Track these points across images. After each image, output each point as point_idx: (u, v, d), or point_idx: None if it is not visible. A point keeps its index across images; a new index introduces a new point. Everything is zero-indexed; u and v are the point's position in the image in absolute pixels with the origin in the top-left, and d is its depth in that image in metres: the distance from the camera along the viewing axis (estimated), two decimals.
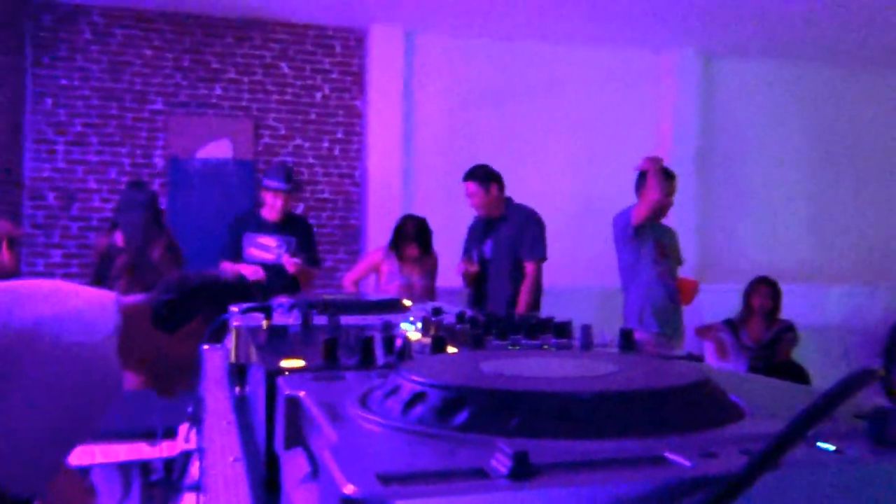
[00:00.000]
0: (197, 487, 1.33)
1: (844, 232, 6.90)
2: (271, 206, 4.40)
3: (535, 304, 4.32)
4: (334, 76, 5.97)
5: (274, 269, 4.28)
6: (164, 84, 5.68)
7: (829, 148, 6.88)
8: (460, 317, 0.95)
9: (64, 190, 5.52)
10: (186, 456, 1.99)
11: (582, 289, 5.85)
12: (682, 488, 0.33)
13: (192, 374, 1.50)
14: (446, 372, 0.48)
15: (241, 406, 0.96)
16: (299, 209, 5.84)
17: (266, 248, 4.41)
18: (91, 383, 1.30)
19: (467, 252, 4.59)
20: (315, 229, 5.91)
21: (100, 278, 4.27)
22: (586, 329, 0.81)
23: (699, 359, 0.71)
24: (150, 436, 2.61)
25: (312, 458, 0.47)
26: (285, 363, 0.64)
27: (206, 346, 1.46)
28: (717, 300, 5.78)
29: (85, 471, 3.04)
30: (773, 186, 6.74)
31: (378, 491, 0.31)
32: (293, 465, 0.49)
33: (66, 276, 5.37)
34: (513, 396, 0.40)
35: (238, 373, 0.99)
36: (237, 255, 4.37)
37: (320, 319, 0.98)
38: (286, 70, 5.88)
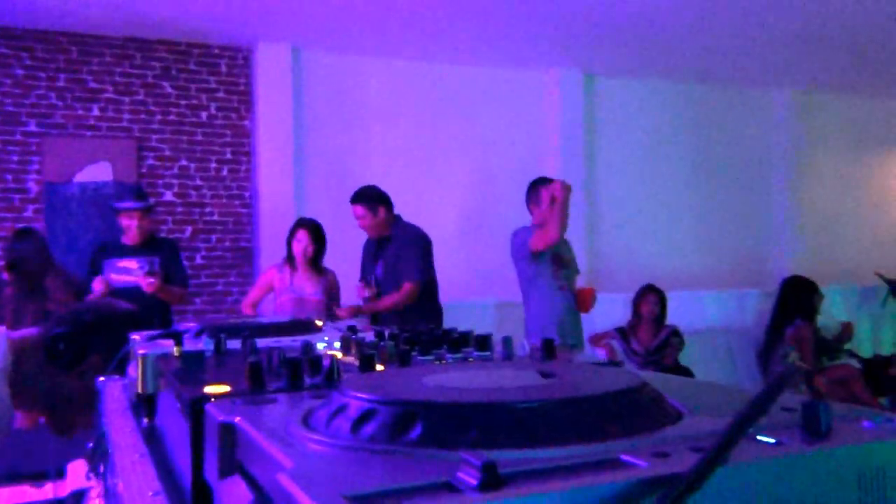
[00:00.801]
0: None
1: (721, 241, 7.29)
2: (127, 229, 4.26)
3: (435, 320, 4.32)
4: (220, 95, 5.84)
5: (139, 294, 4.10)
6: (38, 104, 5.40)
7: (705, 162, 7.26)
8: (380, 334, 0.95)
9: None
10: (79, 496, 1.88)
11: (479, 303, 5.92)
12: (642, 488, 0.34)
13: (90, 409, 1.42)
14: (391, 388, 0.48)
15: (151, 438, 0.91)
16: (187, 232, 5.67)
17: (128, 272, 4.24)
18: None
19: (363, 273, 4.59)
20: (204, 252, 5.77)
21: None
22: (507, 341, 0.83)
23: (619, 364, 0.73)
24: (35, 477, 2.45)
25: (255, 486, 0.45)
26: (209, 389, 0.62)
27: (101, 378, 1.38)
28: (607, 309, 5.98)
29: None
30: (657, 199, 7.06)
31: None
32: (231, 495, 0.47)
33: None
34: (467, 409, 0.40)
35: (146, 403, 0.95)
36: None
37: (233, 343, 0.95)
38: (169, 89, 5.70)
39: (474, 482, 0.32)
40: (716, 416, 0.46)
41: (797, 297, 6.15)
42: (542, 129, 6.65)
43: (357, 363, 0.73)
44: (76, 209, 5.46)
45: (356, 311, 4.37)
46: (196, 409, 0.59)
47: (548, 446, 0.39)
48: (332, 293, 4.54)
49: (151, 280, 4.10)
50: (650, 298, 5.80)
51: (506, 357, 0.80)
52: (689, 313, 6.43)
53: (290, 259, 4.46)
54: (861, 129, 7.95)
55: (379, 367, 0.70)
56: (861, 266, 7.58)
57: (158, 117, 5.68)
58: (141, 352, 0.94)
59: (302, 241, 4.40)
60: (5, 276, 4.19)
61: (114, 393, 1.30)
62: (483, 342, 0.84)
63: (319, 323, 1.25)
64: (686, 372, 5.68)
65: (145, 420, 0.97)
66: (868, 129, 7.99)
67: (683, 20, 5.52)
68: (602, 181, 6.84)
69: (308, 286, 4.43)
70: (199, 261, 5.74)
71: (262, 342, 0.94)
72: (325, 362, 0.68)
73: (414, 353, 0.79)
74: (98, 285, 4.05)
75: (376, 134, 6.12)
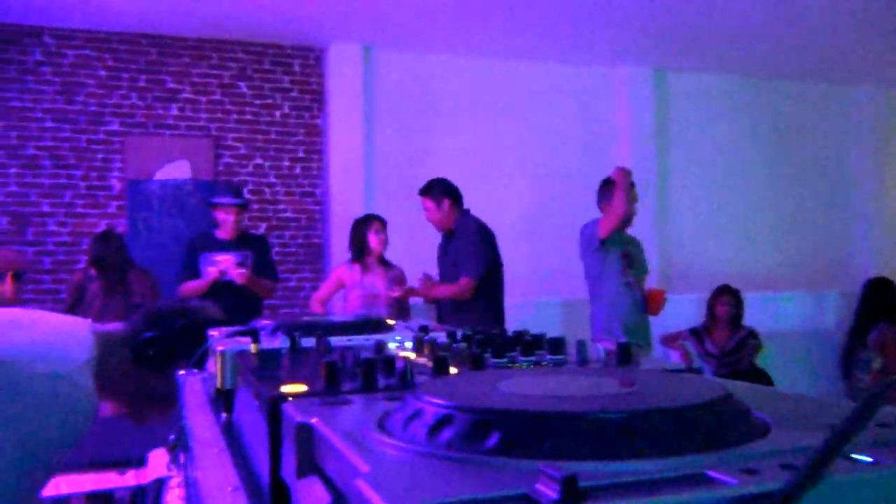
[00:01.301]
0: None
1: (799, 240, 7.06)
2: (223, 223, 4.39)
3: (496, 319, 4.27)
4: (294, 94, 5.94)
5: (233, 288, 4.23)
6: (120, 104, 5.60)
7: (782, 160, 7.04)
8: (452, 335, 0.94)
9: (17, 214, 5.39)
10: (159, 484, 1.94)
11: (544, 302, 5.88)
12: None
13: (172, 405, 1.46)
14: (467, 394, 0.47)
15: (229, 432, 0.93)
16: (261, 229, 5.79)
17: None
18: (66, 413, 1.27)
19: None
20: (277, 248, 5.88)
21: (72, 309, 4.27)
22: (581, 345, 0.81)
23: (699, 371, 0.71)
24: (118, 465, 2.55)
25: (333, 487, 0.45)
26: (287, 389, 0.63)
27: (182, 372, 1.42)
28: (680, 309, 5.86)
29: (54, 502, 2.95)
30: (731, 197, 6.88)
31: None
32: (308, 495, 0.48)
33: (21, 303, 5.23)
34: (545, 418, 0.40)
35: (224, 398, 0.97)
36: (195, 275, 4.33)
37: (307, 341, 0.96)
38: (244, 89, 5.84)
39: (554, 496, 0.32)
40: (804, 430, 0.44)
41: (881, 298, 5.91)
42: (612, 127, 6.56)
43: (430, 364, 0.73)
44: (156, 206, 5.64)
45: (409, 293, 4.37)
46: (274, 408, 0.59)
47: (628, 459, 0.38)
48: (398, 285, 4.58)
49: (242, 271, 4.22)
50: (726, 299, 5.66)
51: (580, 361, 0.79)
52: (766, 315, 6.25)
53: (359, 256, 4.50)
54: None
55: (452, 370, 0.70)
56: None
57: (234, 116, 5.82)
58: (220, 348, 0.96)
59: (380, 234, 4.45)
60: (92, 272, 4.39)
61: (193, 387, 1.34)
62: (557, 346, 0.83)
63: (391, 322, 1.26)
64: (763, 375, 5.52)
65: (224, 415, 0.99)
66: None
67: (759, 12, 5.35)
68: (674, 180, 6.70)
69: (379, 282, 4.47)
70: (272, 257, 5.86)
71: (335, 341, 0.95)
72: (399, 364, 0.68)
73: (486, 356, 0.78)
74: (213, 271, 4.19)
75: (445, 132, 6.13)
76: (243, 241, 4.47)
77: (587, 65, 6.45)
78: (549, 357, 0.81)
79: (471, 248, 4.21)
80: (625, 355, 0.74)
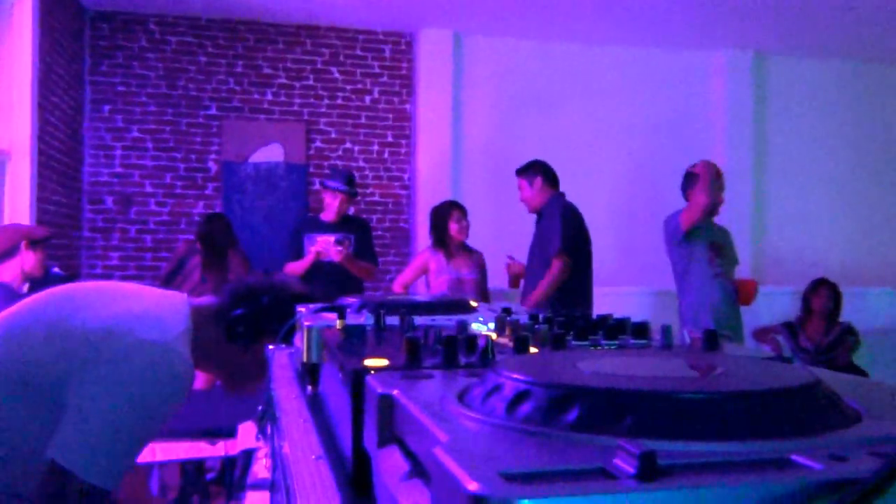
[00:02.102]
0: (270, 485, 1.35)
1: None
2: (329, 206, 4.52)
3: (584, 304, 4.20)
4: (384, 80, 6.01)
5: (335, 269, 4.35)
6: (218, 89, 5.78)
7: (886, 149, 6.69)
8: (534, 317, 0.94)
9: (121, 194, 5.66)
10: (248, 455, 2.02)
11: (633, 291, 5.78)
12: (815, 491, 0.32)
13: (262, 378, 1.52)
14: (547, 371, 0.47)
15: (315, 405, 0.96)
16: (349, 212, 5.89)
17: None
18: (165, 380, 1.34)
19: None
20: None
21: (172, 275, 4.51)
22: (666, 330, 0.80)
23: (789, 360, 0.69)
24: (209, 434, 2.66)
25: (412, 456, 0.46)
26: (369, 362, 0.64)
27: (271, 347, 1.47)
28: (773, 302, 5.67)
29: (146, 468, 3.11)
30: (831, 187, 6.59)
31: (505, 489, 0.30)
32: (388, 463, 0.49)
33: (124, 279, 5.49)
34: (625, 396, 0.39)
35: (310, 372, 1.00)
36: (299, 256, 4.48)
37: (391, 319, 0.98)
38: (336, 74, 5.94)
39: (631, 470, 0.32)
40: None
41: None
42: (708, 114, 6.37)
43: (511, 345, 0.73)
44: (251, 188, 5.81)
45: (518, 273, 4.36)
46: (357, 380, 0.61)
47: (710, 441, 0.37)
48: (481, 272, 4.59)
49: (340, 248, 4.33)
50: (823, 292, 5.43)
51: (664, 346, 0.78)
52: (862, 311, 5.97)
53: (441, 242, 4.52)
54: None
55: (533, 350, 0.70)
56: None
57: (326, 101, 5.93)
58: (307, 324, 0.99)
59: (461, 221, 4.48)
60: (197, 246, 4.60)
61: (281, 361, 1.38)
62: (640, 330, 0.82)
63: (474, 303, 1.27)
64: (861, 373, 5.28)
65: (309, 388, 1.02)
66: None
67: None
68: (771, 168, 6.46)
69: (464, 267, 4.50)
70: (373, 241, 5.96)
71: (419, 319, 0.96)
72: (481, 342, 0.68)
73: (568, 338, 0.78)
74: (312, 251, 4.34)
75: (534, 118, 6.08)
76: (346, 224, 4.59)
77: (684, 49, 6.28)
78: (632, 341, 0.80)
79: (556, 225, 4.13)
80: (711, 341, 0.73)
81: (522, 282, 4.47)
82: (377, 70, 6.00)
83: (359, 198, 5.99)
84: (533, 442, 0.38)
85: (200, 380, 3.56)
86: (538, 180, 4.31)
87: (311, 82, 5.90)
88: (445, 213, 4.56)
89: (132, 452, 1.34)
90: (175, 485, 3.32)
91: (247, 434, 2.06)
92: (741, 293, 4.22)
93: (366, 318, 1.01)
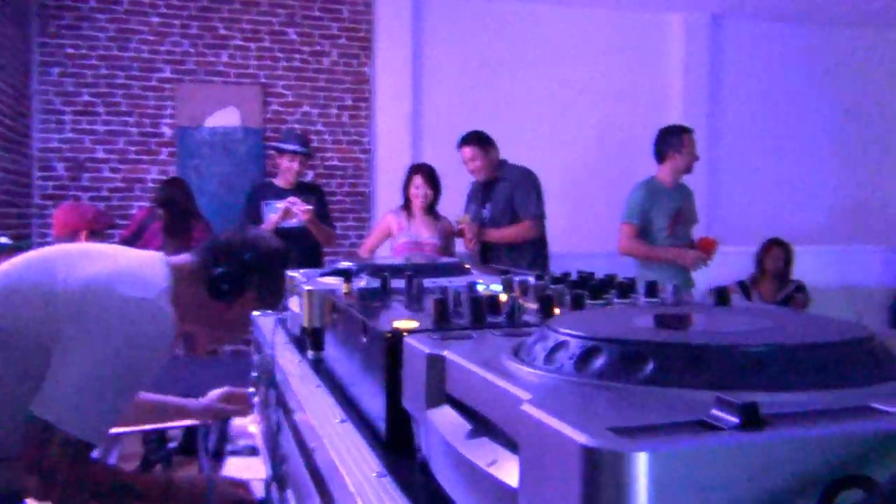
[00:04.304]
0: (252, 451, 1.34)
1: (853, 193, 6.89)
2: (286, 170, 4.44)
3: (543, 265, 4.31)
4: (342, 41, 5.91)
5: (294, 235, 4.27)
6: (172, 51, 5.63)
7: (837, 110, 6.84)
8: (540, 278, 0.95)
9: (73, 160, 5.50)
10: (225, 422, 2.00)
11: (587, 254, 5.83)
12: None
13: (243, 332, 1.52)
14: (608, 327, 0.48)
15: (319, 369, 0.96)
16: (308, 177, 5.82)
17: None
18: (149, 337, 1.33)
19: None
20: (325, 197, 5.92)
21: (128, 242, 4.37)
22: (677, 289, 0.81)
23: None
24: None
25: (472, 414, 0.47)
26: (400, 324, 0.64)
27: (257, 313, 1.46)
28: (728, 261, 5.79)
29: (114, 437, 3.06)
30: (785, 149, 6.72)
31: (618, 443, 0.30)
32: (442, 423, 0.49)
33: None
34: (703, 350, 0.40)
35: (313, 336, 0.99)
36: (257, 223, 4.38)
37: (396, 283, 0.97)
38: (294, 36, 5.82)
39: (736, 420, 0.32)
40: None
41: None
42: (665, 77, 6.41)
43: (531, 305, 0.73)
44: (207, 152, 5.70)
45: (478, 233, 4.35)
46: (393, 342, 0.61)
47: (787, 391, 0.38)
48: (447, 238, 4.58)
49: (309, 207, 4.26)
50: (775, 252, 5.57)
51: (675, 303, 0.79)
52: (815, 269, 6.14)
53: (406, 205, 4.52)
54: None
55: (556, 311, 0.70)
56: None
57: (283, 63, 5.81)
58: (308, 288, 0.98)
59: (420, 188, 4.46)
60: (158, 211, 4.49)
61: (268, 326, 1.37)
62: (652, 288, 0.83)
63: (467, 266, 1.27)
64: None
65: (310, 352, 1.01)
66: None
67: None
68: (726, 130, 6.55)
69: (425, 231, 4.49)
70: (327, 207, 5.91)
71: (426, 282, 0.96)
72: (508, 302, 0.69)
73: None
74: (274, 217, 4.25)
75: (495, 79, 6.06)
76: (302, 190, 4.51)
77: (642, 11, 6.30)
78: (644, 300, 0.82)
79: (529, 191, 4.30)
80: (722, 297, 0.74)
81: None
82: (335, 31, 5.90)
83: (318, 162, 5.92)
84: (611, 397, 0.39)
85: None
86: (493, 151, 4.37)
87: (267, 44, 5.78)
88: (408, 178, 4.54)
89: (116, 408, 1.33)
90: (136, 454, 3.29)
91: (215, 399, 2.04)
92: (702, 250, 4.30)
93: (366, 282, 1.00)
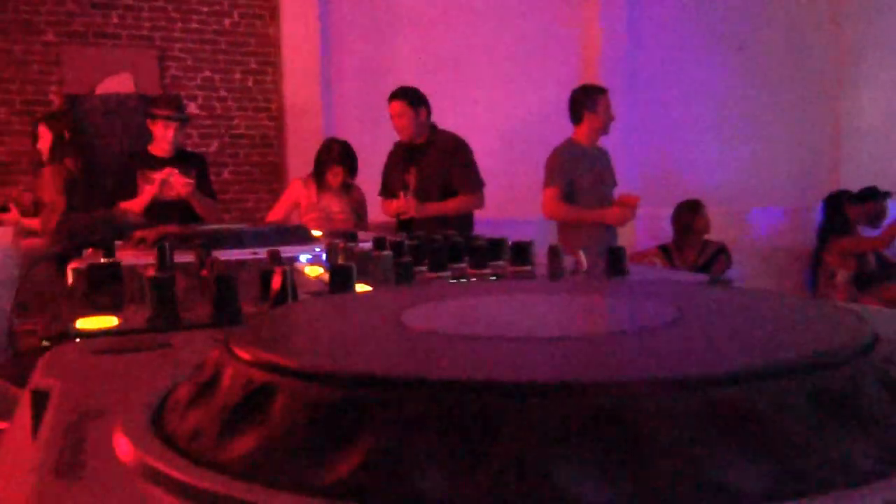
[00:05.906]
0: None
1: (775, 152, 6.88)
2: (161, 138, 4.03)
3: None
4: (244, 1, 5.52)
5: (172, 207, 3.92)
6: (55, 12, 5.15)
7: (761, 67, 6.78)
8: (379, 242, 0.70)
9: None
10: None
11: (509, 220, 5.65)
12: None
13: None
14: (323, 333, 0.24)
15: None
16: (212, 146, 5.46)
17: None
18: None
19: (388, 182, 4.30)
20: (231, 167, 5.58)
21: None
22: (554, 251, 0.58)
23: (727, 283, 0.49)
24: None
25: None
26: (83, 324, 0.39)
27: None
28: (649, 225, 5.70)
29: None
30: (704, 107, 6.64)
31: None
32: None
33: None
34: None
35: None
36: (133, 195, 4.00)
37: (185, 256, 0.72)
38: None
39: None
40: None
41: (837, 213, 5.93)
42: (584, 33, 6.23)
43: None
44: (99, 122, 5.27)
45: (416, 207, 4.03)
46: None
47: None
48: (359, 210, 4.31)
49: (190, 181, 3.90)
50: (695, 213, 5.48)
51: (553, 274, 0.56)
52: (736, 230, 6.12)
53: (317, 177, 4.22)
54: None
55: (362, 287, 0.46)
56: None
57: (180, 25, 5.40)
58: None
59: (339, 175, 4.16)
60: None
61: None
62: (521, 252, 0.59)
63: (317, 233, 1.02)
64: None
65: None
66: None
67: None
68: (644, 88, 6.42)
69: (335, 203, 4.21)
70: (226, 176, 5.55)
71: (227, 254, 0.71)
72: (276, 278, 0.44)
73: (422, 268, 0.55)
74: (151, 189, 3.89)
75: (406, 42, 5.76)
76: (182, 159, 4.13)
77: None
78: (510, 268, 0.58)
79: (469, 162, 4.09)
80: (617, 264, 0.52)
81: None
82: None
83: (223, 131, 5.55)
84: None
85: None
86: (424, 111, 4.10)
87: (161, 3, 5.34)
88: (323, 158, 4.21)
89: None
90: None
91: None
92: (624, 207, 4.20)
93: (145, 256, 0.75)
